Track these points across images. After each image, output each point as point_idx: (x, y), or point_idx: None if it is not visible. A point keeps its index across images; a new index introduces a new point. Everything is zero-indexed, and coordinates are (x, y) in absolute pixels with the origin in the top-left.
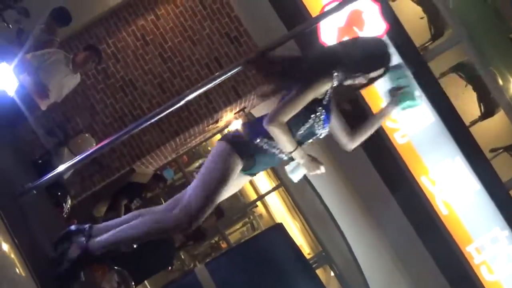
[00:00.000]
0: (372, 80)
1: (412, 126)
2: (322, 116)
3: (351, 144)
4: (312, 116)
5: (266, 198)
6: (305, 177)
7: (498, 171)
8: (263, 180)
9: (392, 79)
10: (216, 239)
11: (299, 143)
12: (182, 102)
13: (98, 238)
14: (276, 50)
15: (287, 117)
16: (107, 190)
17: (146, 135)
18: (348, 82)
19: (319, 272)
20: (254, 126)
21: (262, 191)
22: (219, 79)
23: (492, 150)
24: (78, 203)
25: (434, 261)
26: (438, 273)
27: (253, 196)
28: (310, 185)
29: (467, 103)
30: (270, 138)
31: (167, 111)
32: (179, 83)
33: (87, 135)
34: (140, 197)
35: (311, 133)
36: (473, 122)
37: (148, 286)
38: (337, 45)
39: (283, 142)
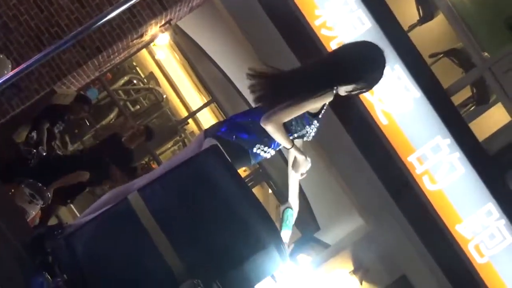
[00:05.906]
0: (368, 87)
1: (347, 32)
2: (317, 125)
3: None
4: (308, 125)
5: (198, 115)
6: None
7: (438, 77)
8: (194, 96)
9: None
10: (147, 159)
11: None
12: (104, 20)
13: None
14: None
15: (283, 120)
16: (27, 114)
17: (66, 54)
18: (345, 93)
19: (256, 190)
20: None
21: (193, 107)
22: None
23: (431, 56)
24: None
25: (376, 173)
26: (380, 185)
27: (184, 113)
28: (245, 100)
29: (405, 7)
30: (265, 144)
31: (89, 31)
32: None
33: (1, 56)
34: (63, 120)
35: (301, 137)
36: (412, 27)
37: (75, 211)
38: (332, 57)
39: (280, 139)
